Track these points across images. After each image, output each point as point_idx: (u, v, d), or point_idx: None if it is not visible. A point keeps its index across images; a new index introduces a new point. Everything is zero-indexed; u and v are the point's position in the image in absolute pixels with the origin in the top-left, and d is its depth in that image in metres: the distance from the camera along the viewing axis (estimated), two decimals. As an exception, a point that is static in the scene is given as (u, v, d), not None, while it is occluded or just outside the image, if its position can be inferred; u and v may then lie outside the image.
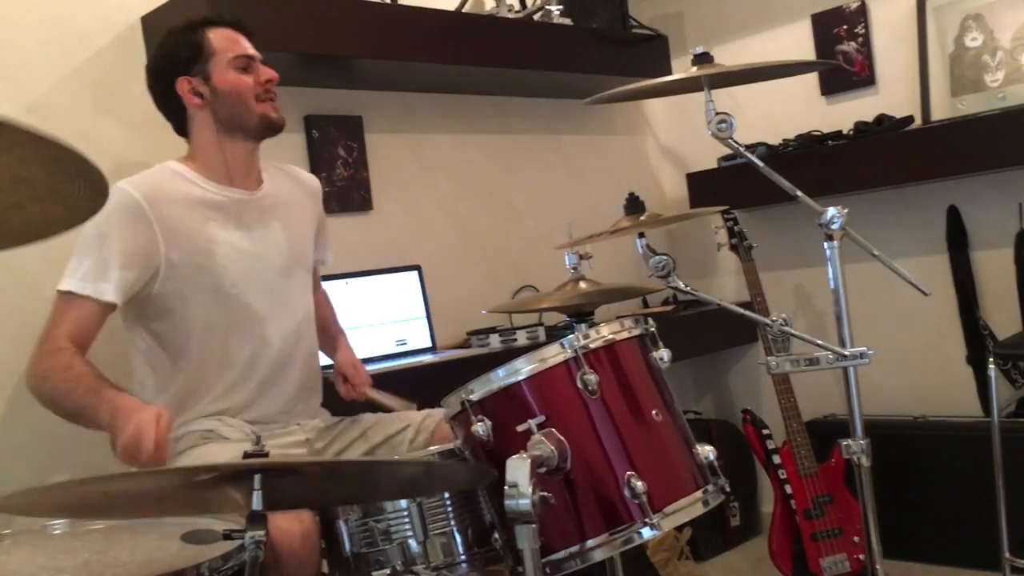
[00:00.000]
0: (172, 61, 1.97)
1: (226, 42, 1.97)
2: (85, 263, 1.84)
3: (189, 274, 1.90)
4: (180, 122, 2.02)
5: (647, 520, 1.45)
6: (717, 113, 1.67)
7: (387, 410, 2.16)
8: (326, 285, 2.47)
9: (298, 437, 2.02)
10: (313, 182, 2.23)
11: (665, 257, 1.68)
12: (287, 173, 2.17)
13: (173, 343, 1.93)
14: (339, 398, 2.19)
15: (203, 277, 1.91)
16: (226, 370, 1.95)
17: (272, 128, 2.01)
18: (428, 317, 2.83)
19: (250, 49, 2.00)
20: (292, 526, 1.60)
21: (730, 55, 3.02)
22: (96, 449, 2.22)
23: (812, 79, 3.40)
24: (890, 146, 3.03)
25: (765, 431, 3.03)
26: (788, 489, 2.93)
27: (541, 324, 2.93)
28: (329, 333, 2.29)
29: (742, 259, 3.14)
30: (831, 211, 1.71)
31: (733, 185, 3.31)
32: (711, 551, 3.37)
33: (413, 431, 2.04)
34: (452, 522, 1.59)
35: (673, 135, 3.85)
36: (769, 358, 1.77)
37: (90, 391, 1.77)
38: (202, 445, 1.90)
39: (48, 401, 1.83)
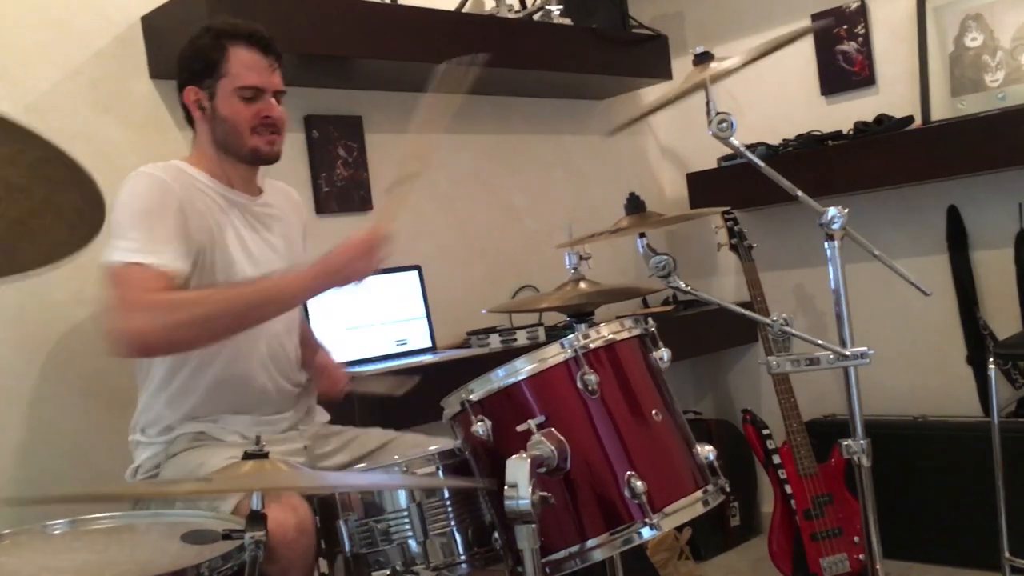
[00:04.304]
0: (188, 67, 1.96)
1: (242, 67, 1.91)
2: (140, 235, 1.76)
3: (205, 268, 1.88)
4: (189, 119, 2.02)
5: (647, 520, 1.45)
6: (718, 113, 1.67)
7: (383, 396, 2.14)
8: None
9: (296, 444, 2.01)
10: (296, 196, 2.22)
11: (666, 257, 1.67)
12: (275, 186, 2.15)
13: None
14: (341, 405, 2.19)
15: (216, 273, 1.88)
16: (221, 370, 1.93)
17: (263, 161, 1.99)
18: (428, 317, 2.83)
19: (265, 80, 1.93)
20: (287, 517, 1.59)
21: (730, 55, 3.02)
22: (97, 451, 2.23)
23: (812, 79, 3.40)
24: (890, 146, 3.03)
25: (765, 431, 3.03)
26: (788, 489, 2.93)
27: (541, 324, 2.93)
28: (308, 343, 2.23)
29: (742, 259, 3.14)
30: (832, 211, 1.71)
31: (733, 185, 3.31)
32: (711, 551, 3.37)
33: None
34: (452, 522, 1.59)
35: (673, 135, 3.85)
36: (769, 358, 1.77)
37: (257, 282, 1.79)
38: (194, 449, 1.90)
39: (195, 324, 1.70)
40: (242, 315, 1.76)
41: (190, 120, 2.02)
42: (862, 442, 1.72)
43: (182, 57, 1.98)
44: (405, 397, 2.19)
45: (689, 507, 1.51)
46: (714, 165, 3.46)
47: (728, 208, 3.13)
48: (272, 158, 1.99)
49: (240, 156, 1.97)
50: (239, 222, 1.96)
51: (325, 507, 1.65)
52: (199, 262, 1.87)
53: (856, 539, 2.86)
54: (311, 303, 2.29)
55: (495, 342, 2.79)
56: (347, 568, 1.61)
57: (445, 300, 2.97)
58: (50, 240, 1.03)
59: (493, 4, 3.16)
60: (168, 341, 1.73)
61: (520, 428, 1.47)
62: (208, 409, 1.92)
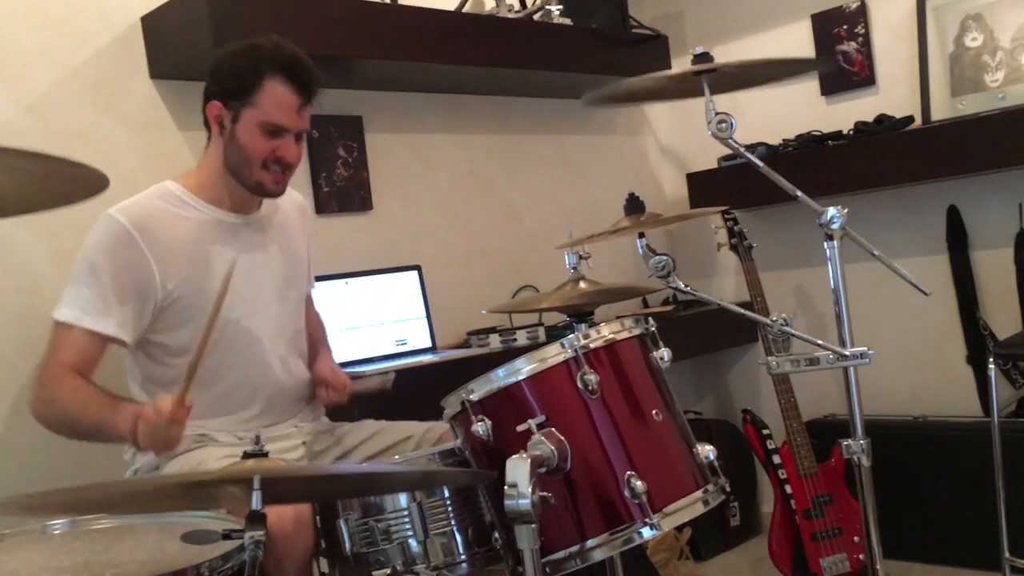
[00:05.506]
0: (218, 81, 1.90)
1: (272, 103, 1.86)
2: (84, 293, 1.81)
3: (187, 301, 1.87)
4: (207, 125, 1.96)
5: (647, 520, 1.45)
6: (717, 113, 1.67)
7: (377, 393, 2.14)
8: (327, 285, 2.47)
9: (295, 440, 2.02)
10: (300, 199, 2.21)
11: (665, 257, 1.67)
12: None
13: (168, 365, 1.91)
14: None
15: (202, 303, 1.86)
16: (227, 392, 1.94)
17: (265, 195, 1.97)
18: (428, 317, 2.83)
19: (291, 120, 1.89)
20: (285, 508, 1.59)
21: (730, 55, 3.02)
22: (96, 450, 2.23)
23: (812, 79, 3.40)
24: (890, 146, 3.03)
25: (765, 431, 3.03)
26: (788, 489, 2.93)
27: (541, 324, 2.93)
28: (313, 350, 2.24)
29: (742, 259, 3.14)
30: (831, 211, 1.71)
31: (733, 185, 3.31)
32: (711, 551, 3.37)
33: (415, 443, 2.03)
34: (452, 522, 1.59)
35: (673, 135, 3.85)
36: (769, 358, 1.77)
37: (105, 406, 1.77)
38: (196, 449, 1.89)
39: (57, 423, 1.82)
40: (89, 435, 1.83)
41: (208, 126, 1.96)
42: (862, 442, 1.72)
43: (217, 69, 1.91)
44: (403, 394, 2.19)
45: (689, 507, 1.51)
46: (714, 165, 3.46)
47: (728, 208, 3.13)
48: (275, 195, 1.98)
49: (243, 185, 1.94)
50: (229, 247, 1.94)
51: (325, 506, 1.65)
52: (178, 303, 1.87)
53: (856, 539, 2.86)
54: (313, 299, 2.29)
55: (495, 342, 2.79)
56: (347, 568, 1.61)
57: (445, 300, 2.97)
58: (64, 189, 1.12)
59: (493, 4, 3.16)
60: (46, 425, 1.84)
61: (520, 428, 1.47)
62: (213, 413, 1.93)
